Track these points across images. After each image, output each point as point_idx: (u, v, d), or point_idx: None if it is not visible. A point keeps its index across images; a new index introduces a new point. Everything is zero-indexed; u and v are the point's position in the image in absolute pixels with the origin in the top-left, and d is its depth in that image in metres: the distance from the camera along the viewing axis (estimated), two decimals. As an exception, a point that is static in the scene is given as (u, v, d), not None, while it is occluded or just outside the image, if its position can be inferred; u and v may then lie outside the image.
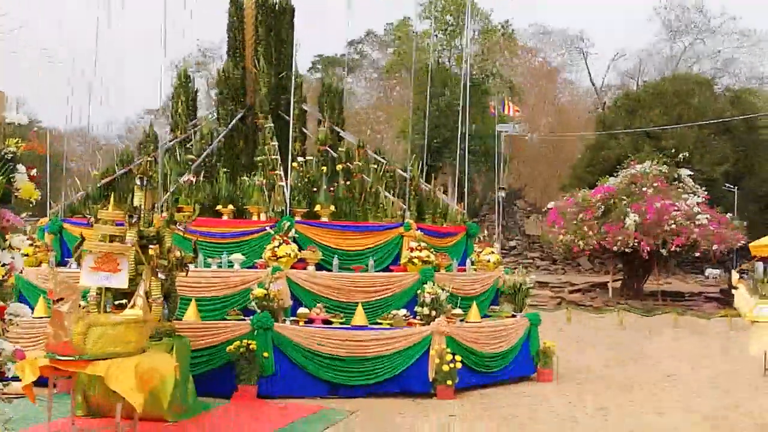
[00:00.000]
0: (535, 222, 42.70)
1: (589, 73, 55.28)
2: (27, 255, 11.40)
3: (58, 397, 9.24)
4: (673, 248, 25.22)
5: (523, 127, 51.30)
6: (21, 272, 4.42)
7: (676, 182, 28.35)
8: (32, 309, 10.83)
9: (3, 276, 4.20)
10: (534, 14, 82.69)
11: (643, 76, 52.27)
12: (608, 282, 29.63)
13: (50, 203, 12.59)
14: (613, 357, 14.48)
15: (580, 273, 39.10)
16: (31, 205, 4.37)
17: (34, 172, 4.37)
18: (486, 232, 14.48)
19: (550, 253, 38.84)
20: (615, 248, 25.90)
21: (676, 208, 25.44)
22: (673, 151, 33.49)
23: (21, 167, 4.33)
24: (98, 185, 12.54)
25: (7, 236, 4.30)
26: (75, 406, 8.45)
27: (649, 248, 25.20)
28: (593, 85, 55.12)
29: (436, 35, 44.13)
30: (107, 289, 8.62)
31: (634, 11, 75.14)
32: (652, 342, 16.27)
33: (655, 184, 26.77)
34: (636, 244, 25.29)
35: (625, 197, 26.47)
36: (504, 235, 44.97)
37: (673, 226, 24.98)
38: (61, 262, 11.59)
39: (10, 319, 4.42)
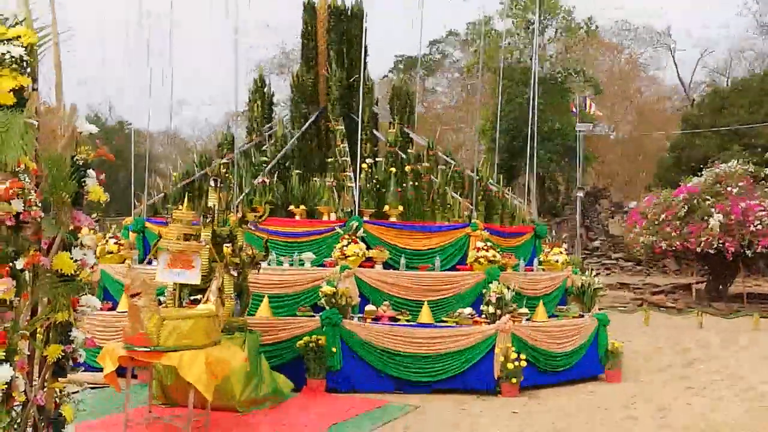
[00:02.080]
0: (619, 222, 42.05)
1: (676, 70, 53.97)
2: (111, 252, 12.09)
3: (140, 386, 9.87)
4: (759, 249, 24.53)
5: (606, 126, 50.58)
6: (93, 268, 4.81)
7: (763, 182, 27.50)
8: (116, 303, 11.49)
9: (75, 271, 4.61)
10: (618, 11, 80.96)
11: (733, 73, 50.75)
12: (692, 284, 29.01)
13: (134, 203, 13.25)
14: (685, 358, 14.30)
15: (665, 275, 38.28)
16: (101, 206, 4.78)
17: (102, 176, 4.79)
18: (554, 233, 14.43)
19: (634, 254, 38.18)
20: (698, 249, 25.35)
21: (762, 208, 24.70)
22: (758, 150, 32.54)
23: (91, 172, 4.76)
24: (178, 186, 13.13)
25: (79, 235, 4.72)
26: (152, 396, 8.94)
27: (733, 249, 24.56)
28: (681, 82, 53.77)
29: (518, 33, 43.83)
30: (183, 285, 9.14)
31: (723, 5, 72.78)
32: (726, 344, 15.96)
33: (740, 184, 26.05)
34: (720, 245, 24.70)
35: (708, 197, 25.85)
36: (587, 235, 44.41)
37: (759, 226, 24.28)
38: (144, 259, 12.21)
39: (83, 311, 4.83)
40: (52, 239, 4.60)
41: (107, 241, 12.18)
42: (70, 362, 4.77)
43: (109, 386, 8.51)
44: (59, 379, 4.70)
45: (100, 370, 8.11)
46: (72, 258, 4.60)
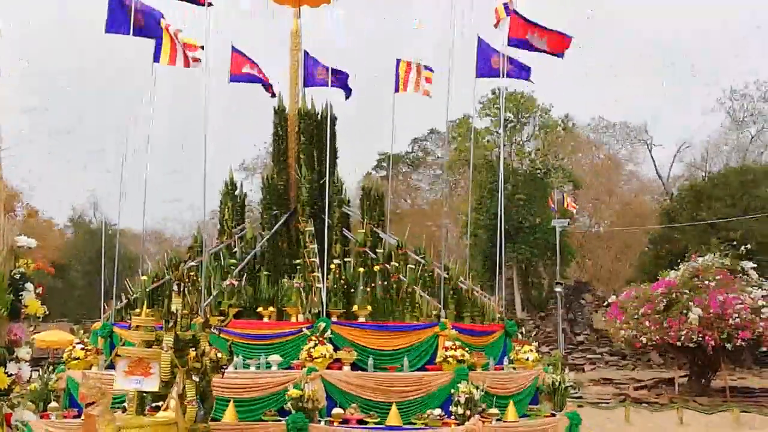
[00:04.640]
0: (603, 316, 42.02)
1: (654, 164, 55.03)
2: (78, 358, 11.96)
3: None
4: (738, 343, 24.52)
5: (587, 221, 51.10)
6: (29, 381, 4.80)
7: (740, 275, 27.66)
8: (81, 411, 11.30)
9: (9, 385, 4.59)
10: (595, 108, 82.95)
11: (710, 167, 51.69)
12: (675, 378, 28.83)
13: (104, 307, 13.19)
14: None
15: (650, 369, 38.05)
16: (38, 319, 4.80)
17: (39, 290, 4.82)
18: (523, 330, 14.43)
19: (617, 348, 38.00)
20: (678, 343, 25.34)
21: (740, 302, 24.82)
22: (734, 243, 32.91)
23: (29, 285, 4.80)
24: (147, 289, 13.10)
25: (15, 349, 4.71)
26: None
27: (713, 343, 24.55)
28: (659, 176, 54.73)
29: (497, 131, 44.77)
30: (145, 391, 9.03)
31: (696, 102, 74.79)
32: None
33: (717, 277, 26.21)
34: (700, 338, 24.69)
35: (687, 291, 25.98)
36: (572, 329, 44.23)
37: (738, 320, 24.34)
38: (111, 365, 12.06)
39: (17, 426, 4.79)
40: (-13, 352, 4.60)
41: (74, 347, 12.08)
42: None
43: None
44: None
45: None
46: (6, 372, 4.59)
